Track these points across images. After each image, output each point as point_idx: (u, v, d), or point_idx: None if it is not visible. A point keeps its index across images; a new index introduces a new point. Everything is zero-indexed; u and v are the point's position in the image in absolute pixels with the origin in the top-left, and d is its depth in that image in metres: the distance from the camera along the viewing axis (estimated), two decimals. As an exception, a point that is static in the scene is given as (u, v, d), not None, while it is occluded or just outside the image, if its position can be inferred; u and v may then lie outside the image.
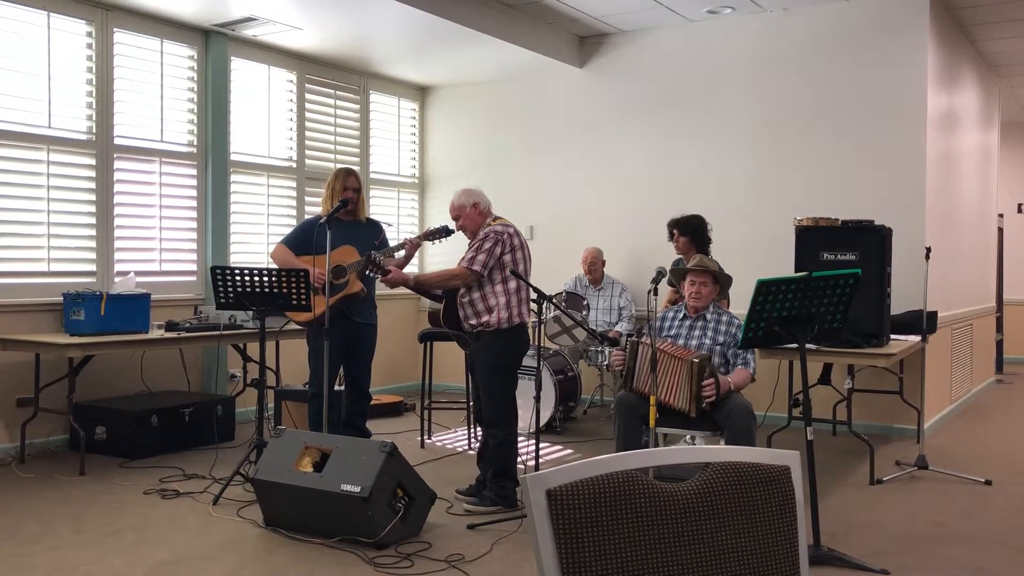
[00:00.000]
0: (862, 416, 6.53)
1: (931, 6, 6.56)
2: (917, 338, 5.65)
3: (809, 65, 6.98)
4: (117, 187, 6.28)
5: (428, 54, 7.62)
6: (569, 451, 6.12)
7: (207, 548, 4.00)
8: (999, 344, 10.38)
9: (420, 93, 8.94)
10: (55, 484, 5.05)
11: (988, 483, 5.25)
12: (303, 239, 5.36)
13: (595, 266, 7.35)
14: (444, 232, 5.01)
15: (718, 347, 4.69)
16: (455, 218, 4.84)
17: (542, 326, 5.40)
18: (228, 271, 4.82)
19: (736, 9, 7.04)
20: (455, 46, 7.28)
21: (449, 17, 6.49)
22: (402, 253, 5.25)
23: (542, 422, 6.31)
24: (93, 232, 6.15)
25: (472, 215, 4.79)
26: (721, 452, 1.39)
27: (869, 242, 5.32)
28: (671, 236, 6.21)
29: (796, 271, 5.18)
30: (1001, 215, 10.54)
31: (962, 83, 7.81)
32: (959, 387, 7.90)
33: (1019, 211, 11.74)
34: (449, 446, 6.22)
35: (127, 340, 5.54)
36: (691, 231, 6.09)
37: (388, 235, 5.64)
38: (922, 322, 5.61)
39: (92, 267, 6.14)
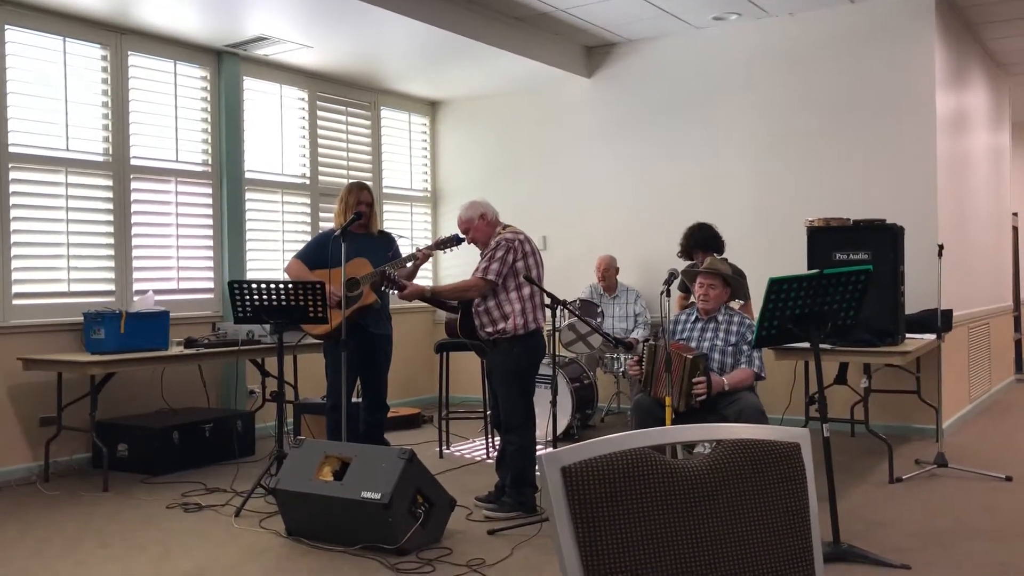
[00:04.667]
0: (880, 417, 6.52)
1: (936, 6, 6.58)
2: (933, 336, 5.64)
3: (816, 68, 7.01)
4: (134, 207, 6.37)
5: (438, 69, 7.70)
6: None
7: (231, 559, 4.04)
8: (1018, 344, 10.33)
9: (431, 108, 9.02)
10: (79, 501, 5.11)
11: (1009, 479, 5.23)
12: (317, 252, 5.42)
13: (608, 273, 7.38)
14: (455, 241, 5.05)
15: (730, 348, 4.71)
16: (464, 231, 4.89)
17: (557, 334, 5.44)
18: (245, 285, 4.88)
19: (742, 15, 7.08)
20: (464, 60, 7.35)
21: (457, 31, 6.56)
22: (412, 263, 5.29)
23: (559, 430, 6.32)
24: (112, 252, 6.23)
25: (481, 226, 4.83)
26: (732, 430, 1.42)
27: (881, 241, 5.33)
28: (689, 256, 6.21)
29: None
30: (1015, 214, 10.51)
31: (971, 83, 7.82)
32: (977, 386, 7.87)
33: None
34: (467, 456, 6.25)
35: (147, 357, 5.60)
36: (711, 245, 6.11)
37: (401, 248, 5.69)
38: (937, 320, 5.61)
39: (111, 286, 6.22)
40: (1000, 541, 4.13)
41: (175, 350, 5.81)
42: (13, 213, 5.71)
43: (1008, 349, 9.55)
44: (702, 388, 4.39)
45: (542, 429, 5.17)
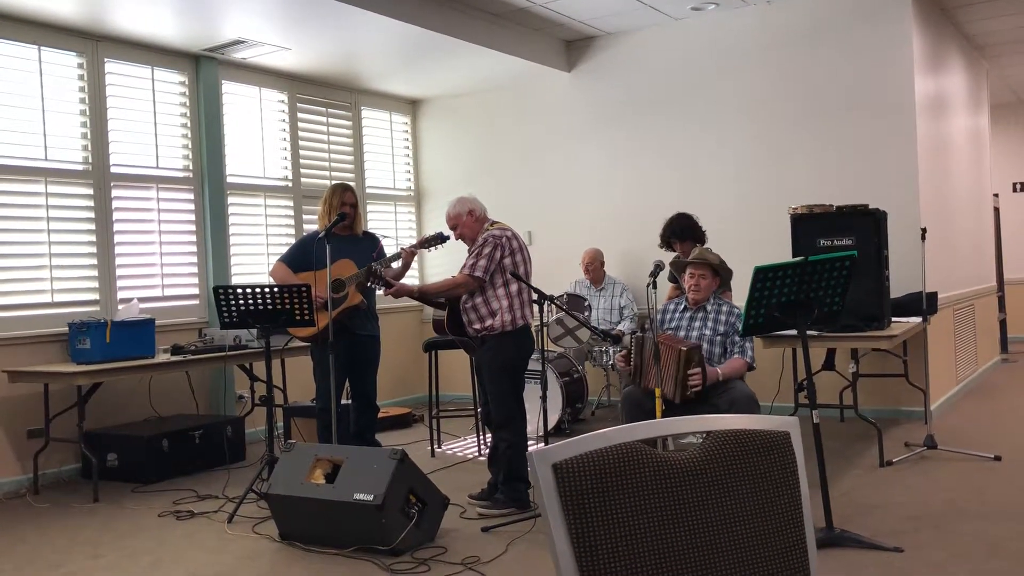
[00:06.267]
0: (869, 401, 6.55)
1: (913, -10, 6.61)
2: (918, 320, 5.68)
3: (795, 55, 7.03)
4: (116, 215, 6.32)
5: (417, 67, 7.68)
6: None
7: (224, 565, 4.03)
8: (1002, 324, 10.40)
9: (411, 106, 8.99)
10: (70, 512, 5.08)
11: (998, 459, 5.27)
12: (301, 255, 5.41)
13: (593, 266, 7.38)
14: (439, 239, 5.05)
15: (719, 337, 4.71)
16: (452, 227, 4.88)
17: (545, 329, 5.43)
18: (231, 290, 4.85)
19: (719, 4, 7.09)
20: (443, 58, 7.33)
21: (436, 29, 6.54)
22: (398, 263, 5.28)
23: (550, 425, 6.31)
24: (95, 261, 6.19)
25: (469, 222, 4.83)
26: (722, 420, 1.42)
27: (865, 226, 5.36)
28: (669, 247, 6.23)
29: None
30: (996, 195, 10.57)
31: (949, 66, 7.86)
32: (964, 368, 7.92)
33: (1014, 191, 11.77)
34: (459, 453, 6.24)
35: (134, 366, 5.57)
36: (688, 234, 6.12)
37: (385, 247, 5.68)
38: (922, 303, 5.64)
39: (95, 296, 6.18)
40: (990, 521, 4.16)
41: (162, 357, 5.78)
42: (-7, 225, 5.67)
43: (993, 329, 9.62)
44: (698, 380, 4.37)
45: (533, 424, 5.17)
